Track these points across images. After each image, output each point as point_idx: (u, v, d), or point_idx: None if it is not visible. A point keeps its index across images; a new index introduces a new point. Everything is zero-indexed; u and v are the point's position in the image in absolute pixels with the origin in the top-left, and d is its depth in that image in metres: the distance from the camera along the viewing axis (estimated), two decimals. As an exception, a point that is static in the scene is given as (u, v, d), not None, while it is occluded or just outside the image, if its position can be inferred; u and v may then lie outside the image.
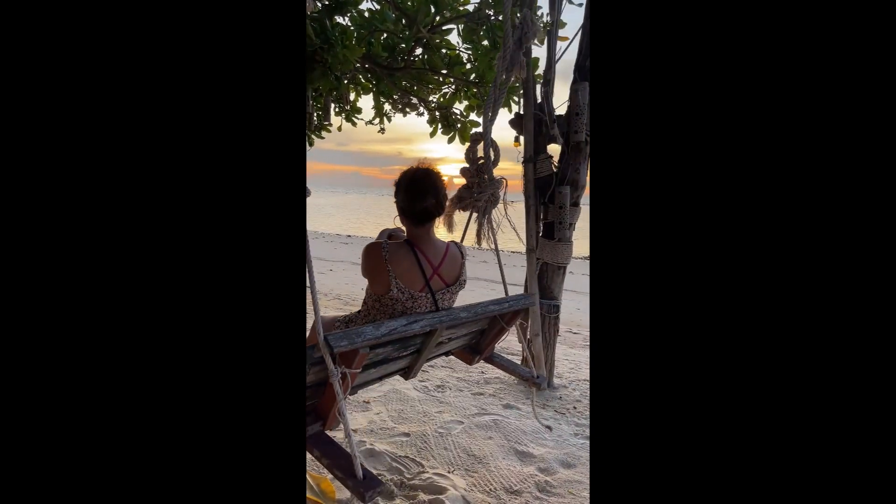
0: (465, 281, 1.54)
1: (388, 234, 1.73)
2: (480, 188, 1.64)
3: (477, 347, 1.79)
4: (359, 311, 1.59)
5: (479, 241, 1.71)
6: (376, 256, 1.39)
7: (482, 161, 1.68)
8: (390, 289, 1.38)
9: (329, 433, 1.24)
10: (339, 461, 1.12)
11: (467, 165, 1.71)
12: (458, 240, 1.67)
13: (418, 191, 1.40)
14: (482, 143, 1.68)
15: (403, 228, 1.68)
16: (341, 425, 1.18)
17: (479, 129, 1.72)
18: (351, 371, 1.11)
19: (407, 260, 1.40)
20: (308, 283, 1.11)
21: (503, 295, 1.66)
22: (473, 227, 1.74)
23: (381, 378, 1.48)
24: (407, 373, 1.55)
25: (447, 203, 1.49)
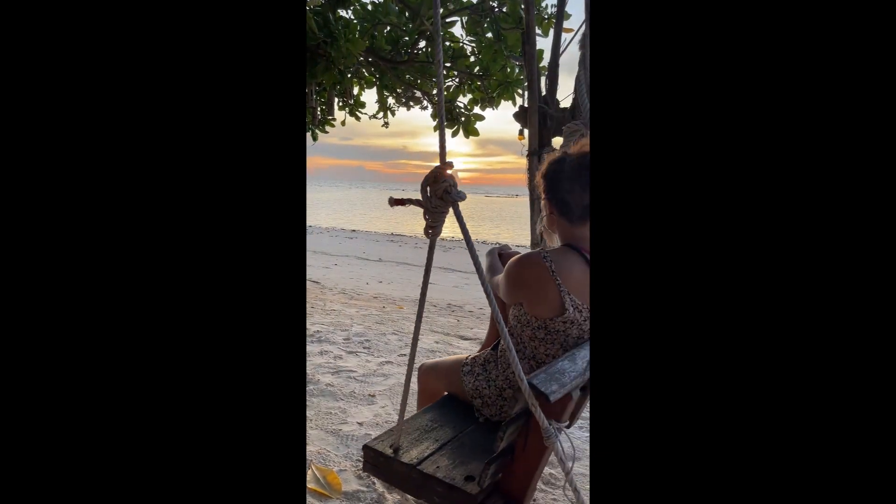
0: None
1: (499, 253, 1.45)
2: None
3: None
4: (494, 348, 1.31)
5: None
6: (539, 269, 1.10)
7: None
8: (565, 308, 1.09)
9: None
10: None
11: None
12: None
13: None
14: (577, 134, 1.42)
15: (509, 245, 1.44)
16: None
17: (577, 121, 1.50)
18: (560, 425, 0.83)
19: (578, 268, 1.11)
20: (490, 307, 0.85)
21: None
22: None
23: None
24: (571, 420, 1.24)
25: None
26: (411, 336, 3.57)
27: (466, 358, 1.39)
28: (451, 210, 0.93)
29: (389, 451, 1.13)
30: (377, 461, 1.15)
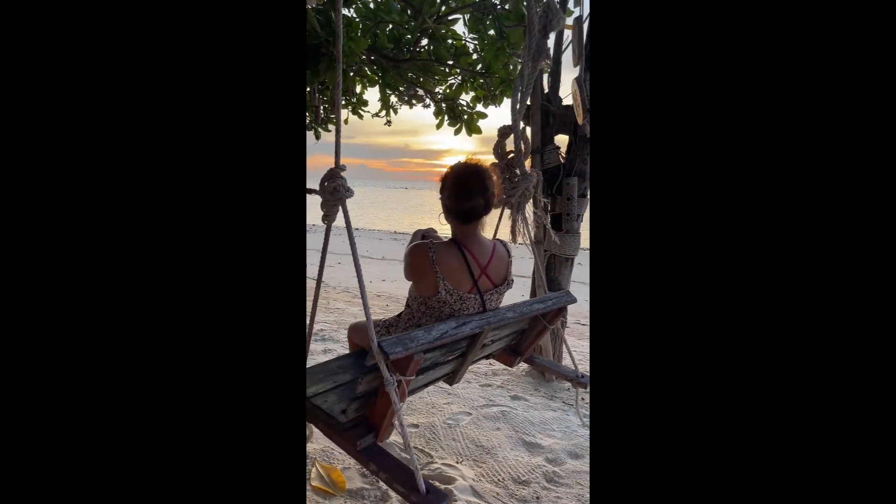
0: (512, 281, 1.50)
1: (423, 235, 1.68)
2: (513, 184, 1.58)
3: (517, 348, 1.76)
4: (399, 315, 1.54)
5: (514, 238, 1.65)
6: (422, 257, 1.34)
7: (511, 155, 1.61)
8: (438, 290, 1.34)
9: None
10: (399, 474, 1.06)
11: (496, 161, 1.64)
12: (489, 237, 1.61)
13: (466, 190, 1.36)
14: (511, 136, 1.60)
15: (436, 229, 1.65)
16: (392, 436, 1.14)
17: (508, 123, 1.64)
18: (406, 378, 1.07)
19: (454, 260, 1.36)
20: (358, 285, 1.11)
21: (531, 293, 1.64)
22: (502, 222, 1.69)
23: (427, 384, 1.45)
24: (451, 378, 1.50)
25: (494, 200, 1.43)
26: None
27: (380, 321, 1.63)
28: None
29: None
30: None
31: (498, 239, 1.54)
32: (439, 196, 1.43)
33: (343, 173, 1.14)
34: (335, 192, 1.12)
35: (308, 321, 1.29)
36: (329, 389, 1.35)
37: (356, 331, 1.72)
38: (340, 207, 1.14)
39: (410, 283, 1.45)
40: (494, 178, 1.41)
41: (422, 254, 1.34)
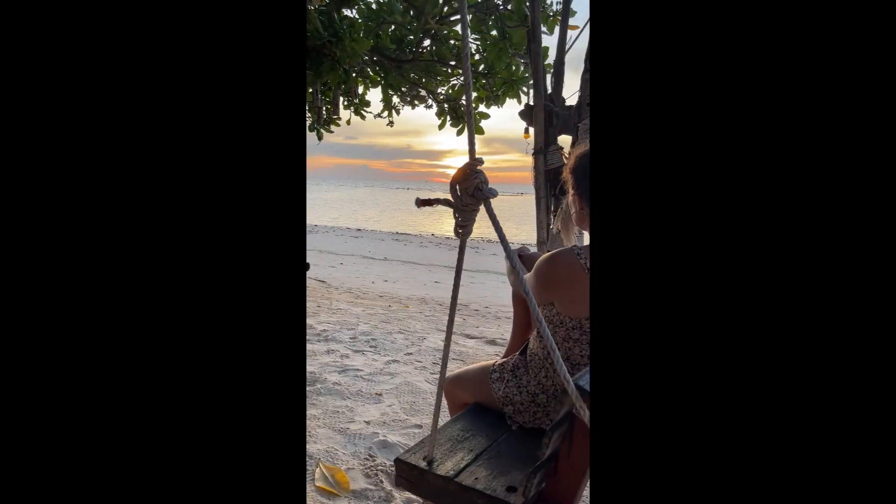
0: None
1: (518, 254, 1.42)
2: None
3: None
4: (524, 350, 1.26)
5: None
6: (573, 266, 1.03)
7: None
8: None
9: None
10: None
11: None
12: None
13: None
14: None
15: (529, 247, 1.41)
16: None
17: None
18: None
19: None
20: (531, 309, 0.80)
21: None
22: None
23: None
24: None
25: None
26: (417, 335, 3.58)
27: (493, 365, 1.35)
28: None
29: (423, 464, 1.07)
30: (411, 474, 1.08)
31: None
32: (572, 192, 1.15)
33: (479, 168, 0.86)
34: (477, 192, 0.85)
35: (445, 342, 1.05)
36: (471, 462, 1.06)
37: (462, 382, 1.41)
38: (484, 210, 0.87)
39: (540, 305, 1.14)
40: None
41: (570, 263, 1.04)
